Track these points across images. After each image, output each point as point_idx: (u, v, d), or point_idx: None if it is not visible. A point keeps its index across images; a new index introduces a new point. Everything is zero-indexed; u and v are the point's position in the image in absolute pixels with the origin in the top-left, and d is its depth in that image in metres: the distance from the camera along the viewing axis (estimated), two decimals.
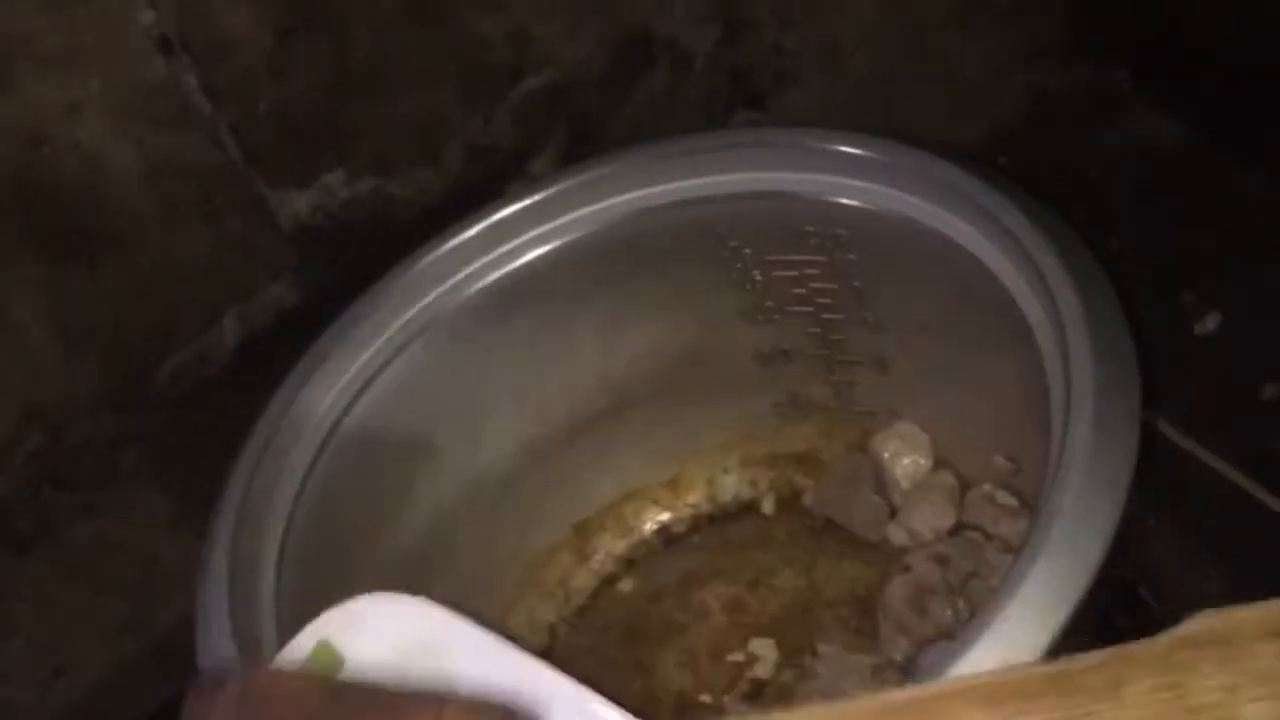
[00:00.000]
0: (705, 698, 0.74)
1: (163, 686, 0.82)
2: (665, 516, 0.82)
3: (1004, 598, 0.53)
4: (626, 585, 0.81)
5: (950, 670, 0.52)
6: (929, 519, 0.75)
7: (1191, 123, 0.94)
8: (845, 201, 0.70)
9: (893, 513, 0.78)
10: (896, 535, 0.77)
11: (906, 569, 0.72)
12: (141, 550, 0.81)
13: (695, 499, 0.81)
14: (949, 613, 0.70)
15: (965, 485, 0.75)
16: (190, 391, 0.78)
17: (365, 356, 0.72)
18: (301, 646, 0.53)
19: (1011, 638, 0.52)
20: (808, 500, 0.79)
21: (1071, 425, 0.57)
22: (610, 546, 0.82)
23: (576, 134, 0.84)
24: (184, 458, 0.80)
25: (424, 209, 0.81)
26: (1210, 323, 0.85)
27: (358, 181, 0.79)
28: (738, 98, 0.89)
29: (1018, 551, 0.55)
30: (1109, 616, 0.59)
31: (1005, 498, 0.72)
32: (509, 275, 0.74)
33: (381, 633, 0.53)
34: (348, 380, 0.71)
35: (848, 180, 0.70)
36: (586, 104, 0.84)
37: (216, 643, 0.62)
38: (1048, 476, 0.57)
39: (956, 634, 0.68)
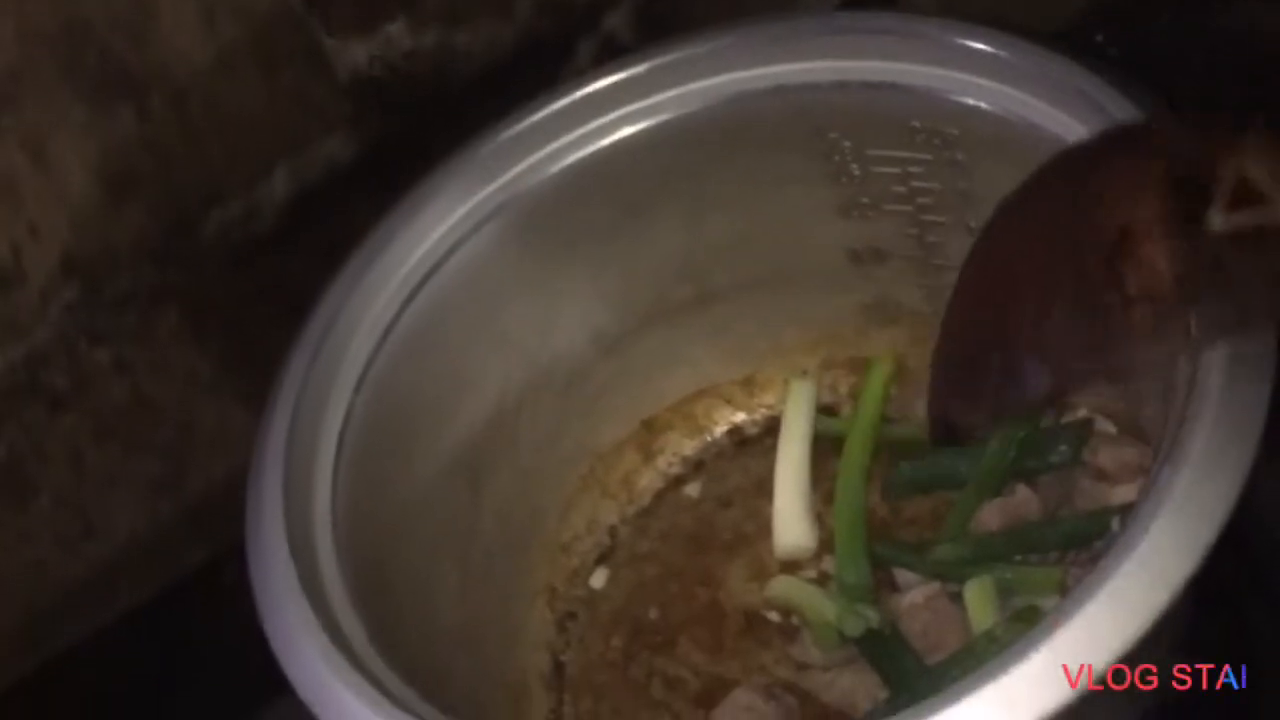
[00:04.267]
0: (774, 615, 0.71)
1: (194, 551, 0.80)
2: (739, 417, 0.78)
3: (1124, 552, 0.49)
4: (693, 489, 0.77)
5: (1061, 630, 0.48)
6: None
7: None
8: (961, 99, 0.65)
9: None
10: None
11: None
12: (177, 412, 0.78)
13: (771, 400, 0.77)
14: None
15: (1060, 407, 0.71)
16: (236, 248, 0.75)
17: (435, 236, 0.68)
18: None
19: (1131, 594, 0.49)
20: (890, 409, 0.75)
21: (1203, 362, 0.53)
22: (678, 446, 0.77)
23: None
24: (226, 318, 0.77)
25: (489, 64, 0.77)
26: None
27: (422, 31, 0.75)
28: None
29: (1138, 500, 0.52)
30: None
31: (1103, 424, 0.69)
32: (591, 156, 0.70)
33: None
34: (415, 262, 0.67)
35: (966, 76, 0.65)
36: None
37: (269, 539, 0.59)
38: (1171, 416, 0.54)
39: None
